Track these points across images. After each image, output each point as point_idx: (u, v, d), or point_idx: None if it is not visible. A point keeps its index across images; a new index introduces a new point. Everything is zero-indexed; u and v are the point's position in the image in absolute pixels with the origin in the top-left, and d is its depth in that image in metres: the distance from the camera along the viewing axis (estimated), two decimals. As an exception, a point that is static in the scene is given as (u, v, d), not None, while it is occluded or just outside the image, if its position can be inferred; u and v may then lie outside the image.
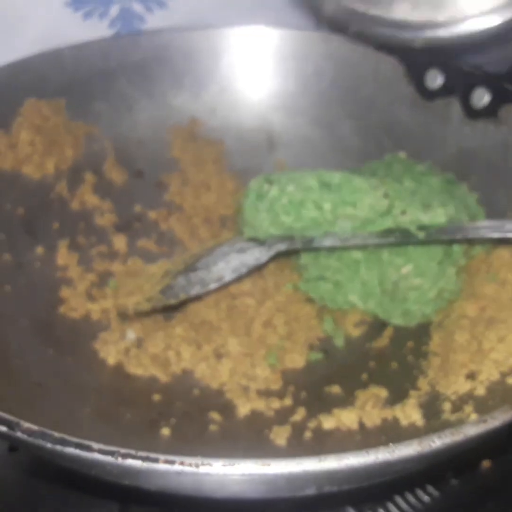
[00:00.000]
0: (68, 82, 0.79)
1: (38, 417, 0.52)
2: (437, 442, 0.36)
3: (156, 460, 0.35)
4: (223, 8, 0.89)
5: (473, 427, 0.37)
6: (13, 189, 0.73)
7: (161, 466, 0.35)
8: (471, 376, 0.55)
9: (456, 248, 0.63)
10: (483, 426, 0.37)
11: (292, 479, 0.36)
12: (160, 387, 0.61)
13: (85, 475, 0.42)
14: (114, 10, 0.83)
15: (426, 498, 0.61)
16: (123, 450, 0.35)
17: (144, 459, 0.35)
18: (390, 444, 0.35)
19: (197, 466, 0.34)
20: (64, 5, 0.79)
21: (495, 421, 0.38)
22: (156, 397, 0.60)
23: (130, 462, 0.35)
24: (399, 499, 0.60)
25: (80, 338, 0.64)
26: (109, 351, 0.63)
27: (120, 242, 0.74)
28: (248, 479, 0.35)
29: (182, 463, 0.34)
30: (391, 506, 0.59)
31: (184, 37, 0.84)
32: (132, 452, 0.35)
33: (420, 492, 0.61)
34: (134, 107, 0.84)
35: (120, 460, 0.35)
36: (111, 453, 0.35)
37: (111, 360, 0.62)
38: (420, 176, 0.66)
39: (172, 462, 0.34)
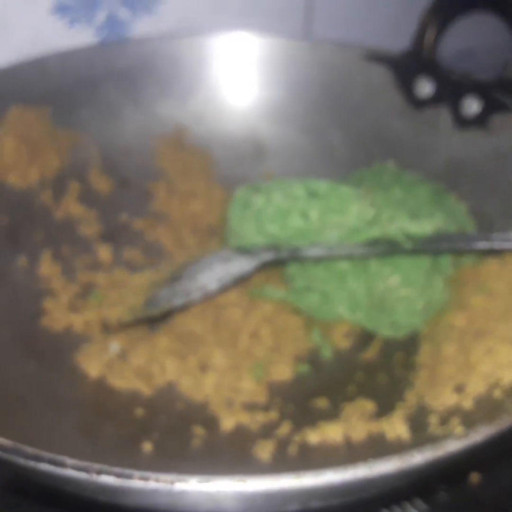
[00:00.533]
0: (53, 90, 0.79)
1: (17, 432, 0.52)
2: (417, 457, 0.36)
3: (130, 476, 0.34)
4: (210, 15, 0.90)
5: (454, 442, 0.37)
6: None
7: (136, 483, 0.34)
8: (459, 388, 0.55)
9: (444, 258, 0.63)
10: (465, 441, 0.37)
11: (270, 496, 0.35)
12: (143, 400, 0.60)
13: (66, 492, 0.42)
14: (100, 17, 0.83)
15: (414, 510, 0.60)
16: (97, 466, 0.35)
17: (118, 475, 0.34)
18: (370, 459, 0.35)
19: (172, 483, 0.34)
20: (49, 12, 0.79)
21: (477, 435, 0.37)
22: (139, 411, 0.59)
23: (104, 478, 0.34)
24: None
25: (62, 350, 0.64)
26: (92, 364, 0.62)
27: (105, 252, 0.74)
28: (226, 496, 0.35)
29: (157, 480, 0.34)
30: (377, 518, 0.59)
31: (171, 45, 0.84)
32: (106, 468, 0.35)
33: (408, 506, 0.61)
34: (120, 115, 0.84)
35: (94, 476, 0.34)
36: (85, 469, 0.35)
37: (93, 372, 0.62)
38: (408, 185, 0.66)
39: (146, 479, 0.34)
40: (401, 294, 0.62)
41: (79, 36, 0.83)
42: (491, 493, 0.62)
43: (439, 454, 0.36)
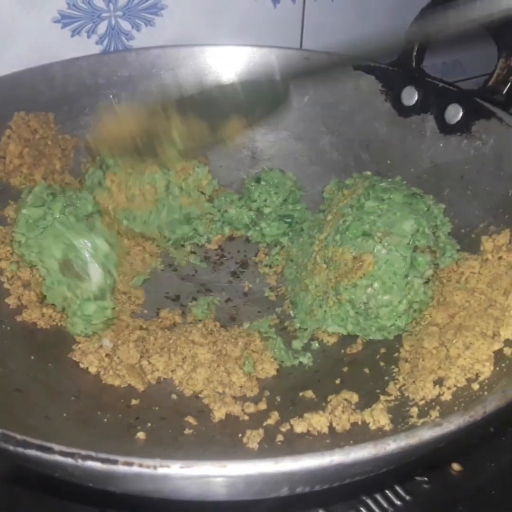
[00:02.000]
0: (57, 97, 0.79)
1: (16, 422, 0.52)
2: (392, 445, 0.35)
3: (115, 462, 0.34)
4: (208, 26, 0.89)
5: (428, 431, 0.36)
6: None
7: (120, 468, 0.34)
8: (439, 382, 0.55)
9: (420, 258, 0.62)
10: (438, 430, 0.36)
11: (251, 481, 0.35)
12: (138, 392, 0.60)
13: (65, 481, 0.41)
14: (101, 27, 0.83)
15: (397, 500, 0.60)
16: (83, 452, 0.34)
17: (103, 461, 0.34)
18: (346, 446, 0.34)
19: (155, 467, 0.34)
20: (52, 22, 0.79)
21: (451, 425, 0.37)
22: (134, 402, 0.59)
23: (89, 464, 0.34)
24: (370, 502, 0.59)
25: (59, 344, 0.64)
26: (88, 361, 0.62)
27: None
28: (209, 481, 0.34)
29: (140, 465, 0.34)
30: (362, 508, 0.59)
31: (170, 54, 0.84)
32: (92, 453, 0.34)
33: (391, 495, 0.60)
34: (121, 122, 0.84)
35: (79, 462, 0.34)
36: (71, 455, 0.34)
37: (91, 369, 0.62)
38: (382, 193, 0.65)
39: (130, 464, 0.34)
40: (383, 301, 0.62)
41: (81, 46, 0.83)
42: (471, 482, 0.61)
43: (413, 442, 0.35)
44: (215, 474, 0.34)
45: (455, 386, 0.53)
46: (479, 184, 0.72)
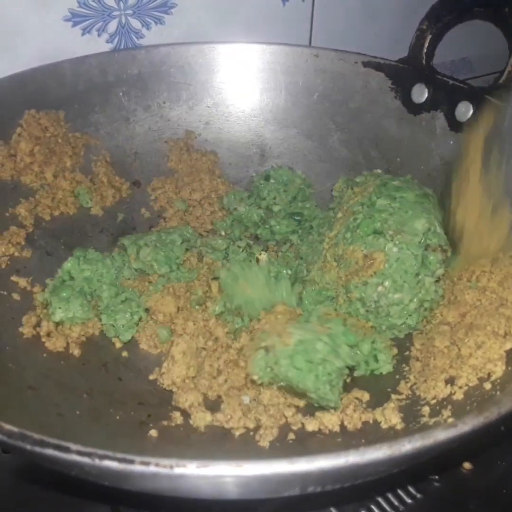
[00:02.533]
0: (67, 95, 0.79)
1: (30, 419, 0.52)
2: (407, 445, 0.35)
3: (132, 462, 0.34)
4: (218, 24, 0.89)
5: (443, 432, 0.36)
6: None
7: (137, 468, 0.34)
8: (450, 381, 0.55)
9: (432, 257, 0.62)
10: (453, 431, 0.36)
11: (266, 481, 0.35)
12: (150, 389, 0.61)
13: (77, 478, 0.42)
14: (112, 25, 0.83)
15: (408, 499, 0.60)
16: (100, 452, 0.34)
17: (121, 460, 0.34)
18: (361, 447, 0.35)
19: (171, 467, 0.34)
20: (62, 20, 0.79)
21: (465, 426, 0.37)
22: (146, 399, 0.59)
23: (107, 463, 0.34)
24: (381, 500, 0.59)
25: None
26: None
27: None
28: (224, 481, 0.35)
29: (157, 465, 0.34)
30: (373, 507, 0.59)
31: (180, 52, 0.84)
32: (109, 453, 0.34)
33: (402, 493, 0.60)
34: (131, 120, 0.84)
35: (96, 461, 0.34)
36: (88, 455, 0.34)
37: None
38: (394, 191, 0.65)
39: (147, 464, 0.34)
40: (394, 299, 0.61)
41: (91, 44, 0.82)
42: (482, 481, 0.61)
43: (428, 443, 0.35)
44: (231, 474, 0.34)
45: (466, 385, 0.53)
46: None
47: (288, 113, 0.86)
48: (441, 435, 0.36)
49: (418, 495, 0.60)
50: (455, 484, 0.61)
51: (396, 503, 0.59)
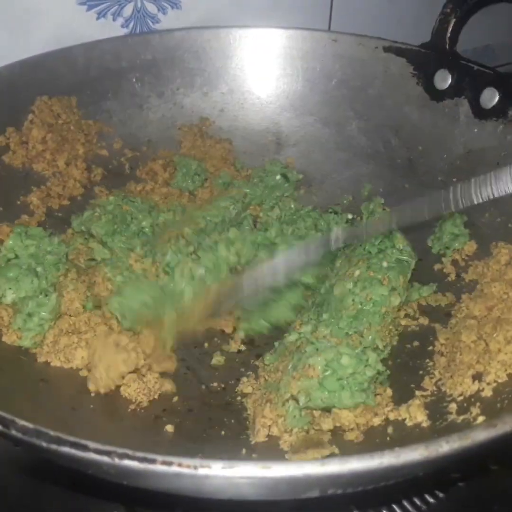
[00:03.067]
0: (79, 81, 0.77)
1: (41, 414, 0.51)
2: (444, 447, 0.33)
3: (153, 461, 0.32)
4: (236, 9, 0.87)
5: (482, 432, 0.34)
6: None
7: (159, 468, 0.32)
8: (478, 377, 0.52)
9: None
10: (493, 431, 0.34)
11: (294, 483, 0.33)
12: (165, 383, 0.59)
13: (91, 476, 0.40)
14: (127, 10, 0.81)
15: (431, 499, 0.58)
16: (120, 450, 0.33)
17: (141, 460, 0.32)
18: (396, 448, 0.33)
19: (195, 468, 0.32)
20: (77, 4, 0.77)
21: (506, 425, 0.35)
22: (161, 393, 0.58)
23: (126, 462, 0.33)
24: (404, 501, 0.57)
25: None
26: None
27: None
28: (249, 482, 0.33)
29: (180, 465, 0.32)
30: (395, 507, 0.57)
31: (194, 37, 0.82)
32: (129, 452, 0.33)
33: (425, 494, 0.58)
34: (144, 106, 0.82)
35: (116, 460, 0.33)
36: (107, 453, 0.33)
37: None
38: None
39: (170, 464, 0.32)
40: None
41: (106, 28, 0.80)
42: (507, 481, 0.59)
43: (466, 443, 0.33)
44: (258, 475, 0.32)
45: (495, 381, 0.51)
46: (515, 170, 0.69)
47: (305, 100, 0.84)
48: (480, 436, 0.34)
49: (441, 495, 0.58)
50: (479, 483, 0.59)
51: (418, 502, 0.57)
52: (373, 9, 0.98)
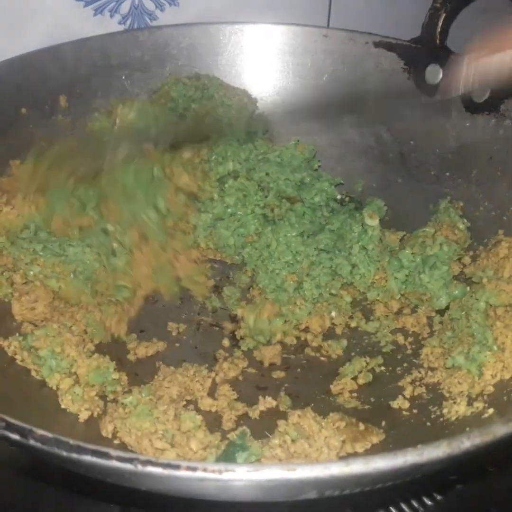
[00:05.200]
0: (68, 79, 0.75)
1: (49, 420, 0.50)
2: (466, 443, 0.33)
3: (177, 467, 0.32)
4: (234, 6, 0.86)
5: (502, 427, 0.35)
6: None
7: (183, 473, 0.32)
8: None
9: None
10: (513, 426, 0.35)
11: (319, 484, 0.33)
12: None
13: (86, 477, 0.39)
14: (124, 6, 0.79)
15: (429, 501, 0.57)
16: (142, 458, 0.32)
17: (165, 466, 0.32)
18: (419, 445, 0.33)
19: (220, 472, 0.32)
20: (74, 0, 0.76)
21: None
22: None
23: (150, 469, 0.32)
24: (401, 502, 0.56)
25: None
26: None
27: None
28: (273, 485, 0.33)
29: (205, 470, 0.32)
30: (392, 508, 0.56)
31: (184, 33, 0.80)
32: (152, 459, 0.32)
33: (422, 495, 0.58)
34: (135, 104, 0.80)
35: (139, 467, 0.32)
36: (130, 461, 0.32)
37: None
38: None
39: (194, 469, 0.32)
40: None
41: (103, 25, 0.79)
42: (505, 483, 0.58)
43: (487, 439, 0.34)
44: (283, 478, 0.32)
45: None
46: (509, 164, 0.70)
47: (296, 96, 0.83)
48: (500, 431, 0.34)
49: (438, 497, 0.58)
50: (477, 485, 0.58)
51: (415, 504, 0.57)
52: (372, 6, 0.97)
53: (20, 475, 0.58)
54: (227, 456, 0.41)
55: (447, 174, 0.76)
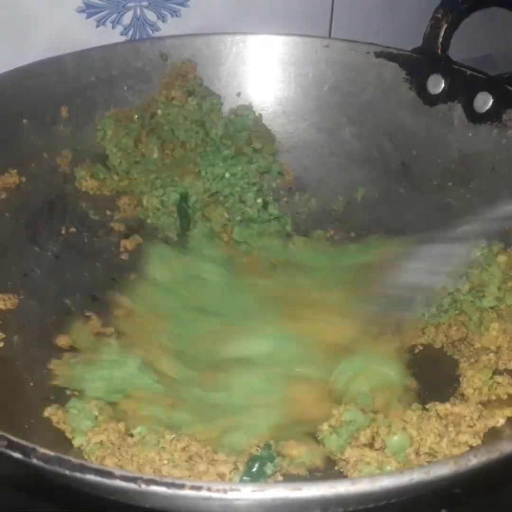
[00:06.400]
0: (69, 90, 0.75)
1: (48, 434, 0.50)
2: (473, 460, 0.33)
3: (182, 486, 0.32)
4: (236, 17, 0.86)
5: (509, 444, 0.34)
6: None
7: (187, 493, 0.32)
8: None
9: None
10: (521, 443, 0.34)
11: (324, 502, 0.33)
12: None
13: (76, 492, 0.38)
14: (126, 18, 0.80)
15: (432, 513, 0.56)
16: (146, 477, 0.32)
17: (169, 485, 0.32)
18: (425, 464, 0.32)
19: (225, 491, 0.31)
20: (76, 11, 0.77)
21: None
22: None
23: (154, 488, 0.32)
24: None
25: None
26: None
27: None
28: (278, 504, 0.32)
29: (209, 489, 0.32)
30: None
31: (185, 44, 0.81)
32: (156, 478, 0.32)
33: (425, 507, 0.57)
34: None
35: (143, 486, 0.32)
36: (134, 480, 0.32)
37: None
38: None
39: (199, 488, 0.32)
40: None
41: (105, 36, 0.80)
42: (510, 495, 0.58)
43: (494, 456, 0.33)
44: (288, 497, 0.32)
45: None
46: (509, 173, 0.70)
47: (298, 106, 0.84)
48: (507, 448, 0.34)
49: (443, 510, 0.57)
50: (481, 497, 0.57)
51: None
52: (374, 17, 0.97)
53: (6, 487, 0.57)
54: (254, 471, 0.41)
55: (450, 184, 0.76)
